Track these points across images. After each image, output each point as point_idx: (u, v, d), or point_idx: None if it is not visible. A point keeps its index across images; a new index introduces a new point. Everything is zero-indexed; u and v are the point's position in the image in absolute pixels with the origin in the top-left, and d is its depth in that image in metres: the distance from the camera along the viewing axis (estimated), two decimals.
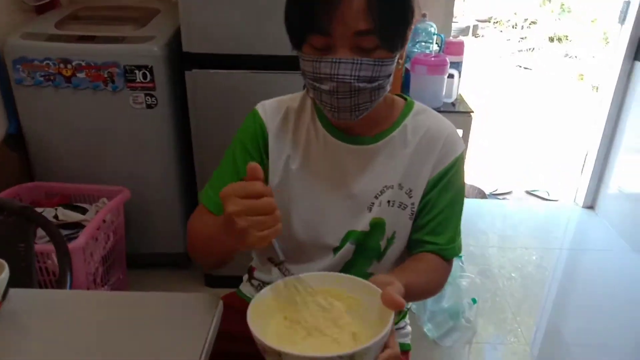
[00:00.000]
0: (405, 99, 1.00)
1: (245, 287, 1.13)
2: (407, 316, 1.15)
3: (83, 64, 1.88)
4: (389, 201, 0.95)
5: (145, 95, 1.93)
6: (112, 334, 0.83)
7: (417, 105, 0.99)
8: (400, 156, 0.95)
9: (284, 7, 0.86)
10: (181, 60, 1.86)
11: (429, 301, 2.04)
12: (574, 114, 5.11)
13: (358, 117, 0.88)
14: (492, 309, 2.19)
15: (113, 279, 1.97)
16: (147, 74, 1.89)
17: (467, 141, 1.99)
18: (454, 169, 0.95)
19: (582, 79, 5.94)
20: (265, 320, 0.75)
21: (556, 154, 4.11)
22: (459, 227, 0.98)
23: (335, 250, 0.97)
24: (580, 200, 3.02)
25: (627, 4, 2.56)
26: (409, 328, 1.13)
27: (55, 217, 1.82)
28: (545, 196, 3.27)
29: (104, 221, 1.84)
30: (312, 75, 0.85)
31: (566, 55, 6.80)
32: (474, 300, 2.05)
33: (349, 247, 0.97)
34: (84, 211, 1.90)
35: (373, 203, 0.95)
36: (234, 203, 0.68)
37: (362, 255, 0.98)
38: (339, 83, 0.82)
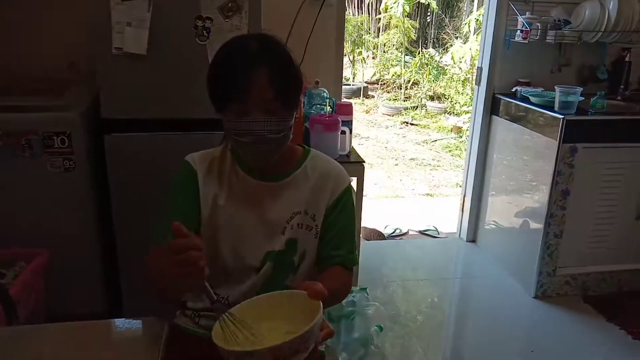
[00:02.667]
0: (304, 147, 1.29)
1: (180, 319, 1.28)
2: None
3: (0, 132, 1.95)
4: (299, 224, 1.20)
5: (64, 159, 2.03)
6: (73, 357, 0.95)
7: (313, 151, 1.29)
8: (303, 189, 1.21)
9: (206, 81, 1.13)
10: (99, 126, 2.00)
11: (342, 333, 2.25)
12: (454, 161, 5.76)
13: (271, 159, 1.15)
14: (397, 334, 2.45)
15: None
16: (66, 139, 2.00)
17: (362, 187, 2.29)
18: (345, 196, 1.23)
19: (460, 131, 6.70)
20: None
21: (442, 196, 4.63)
22: (355, 244, 1.25)
23: (257, 270, 1.19)
24: (464, 236, 3.45)
25: (480, 69, 3.11)
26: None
27: None
28: (435, 234, 3.68)
29: (25, 284, 1.86)
30: (234, 132, 1.11)
31: (445, 111, 7.64)
32: (380, 328, 2.29)
33: (268, 265, 1.19)
34: (2, 276, 1.91)
35: (285, 227, 1.19)
36: (165, 258, 0.85)
37: (280, 270, 1.20)
38: (256, 136, 1.09)
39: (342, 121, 2.22)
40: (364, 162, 2.25)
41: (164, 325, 1.03)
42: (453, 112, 7.46)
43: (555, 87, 2.60)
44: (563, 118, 2.50)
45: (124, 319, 1.10)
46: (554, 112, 2.58)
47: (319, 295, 0.90)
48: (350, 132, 2.30)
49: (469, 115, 7.10)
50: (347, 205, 1.24)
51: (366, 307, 2.28)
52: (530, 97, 2.80)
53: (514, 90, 2.99)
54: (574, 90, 2.58)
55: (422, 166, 5.64)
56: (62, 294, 2.15)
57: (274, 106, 1.08)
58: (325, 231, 1.21)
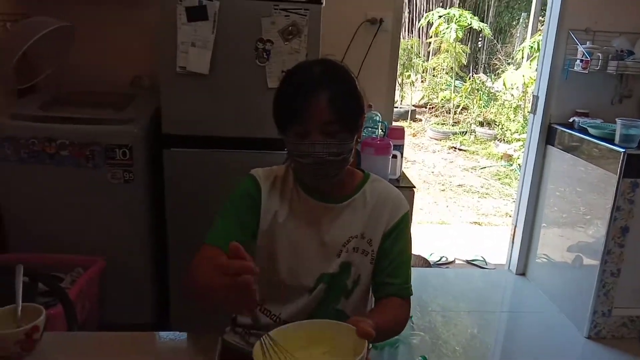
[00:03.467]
0: (363, 171, 1.30)
1: (229, 336, 1.30)
2: None
3: (67, 142, 2.05)
4: (354, 248, 1.20)
5: (124, 171, 2.11)
6: None
7: (373, 175, 1.30)
8: (361, 213, 1.22)
9: (272, 105, 1.16)
10: (160, 140, 2.08)
11: None
12: (504, 190, 5.62)
13: (331, 182, 1.17)
14: None
15: None
16: (127, 152, 2.09)
17: (411, 214, 2.26)
18: (402, 223, 1.22)
19: (510, 159, 6.55)
20: None
21: (491, 226, 4.51)
22: (410, 272, 1.23)
23: (311, 290, 1.20)
24: (514, 268, 3.35)
25: (537, 98, 3.04)
26: None
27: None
28: (483, 265, 3.59)
29: (81, 290, 1.93)
30: (296, 153, 1.14)
31: (495, 138, 7.50)
32: (424, 358, 2.24)
33: (321, 287, 1.20)
34: (60, 280, 1.99)
35: (341, 250, 1.20)
36: (217, 277, 0.84)
37: (332, 293, 1.21)
38: (316, 158, 1.12)
39: (393, 145, 2.21)
40: (414, 187, 2.23)
41: (217, 342, 1.04)
42: (503, 139, 7.31)
43: (617, 119, 2.52)
44: (624, 152, 2.41)
45: (179, 332, 1.11)
46: (615, 145, 2.49)
47: (367, 336, 0.87)
48: (402, 156, 2.29)
49: (520, 143, 6.95)
50: (405, 232, 1.23)
51: (411, 337, 2.24)
52: (588, 129, 2.72)
53: (571, 120, 2.91)
54: (636, 124, 2.48)
55: (470, 193, 5.53)
56: (114, 302, 2.22)
57: (334, 129, 1.11)
58: (381, 257, 1.21)
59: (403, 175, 2.35)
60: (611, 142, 2.53)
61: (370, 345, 1.29)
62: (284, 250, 1.20)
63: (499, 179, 6.04)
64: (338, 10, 2.64)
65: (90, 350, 1.04)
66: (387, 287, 1.20)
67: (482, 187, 5.75)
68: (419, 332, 2.32)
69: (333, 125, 1.10)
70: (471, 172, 6.31)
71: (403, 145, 2.34)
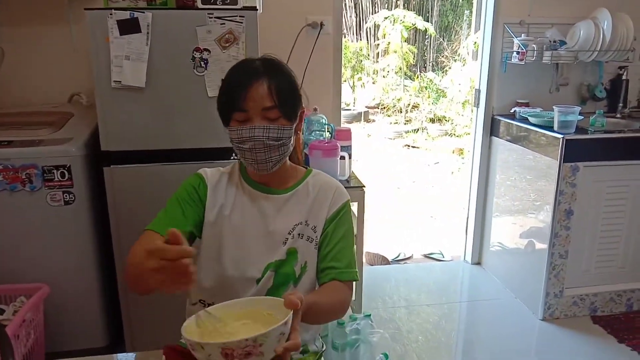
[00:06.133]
0: (307, 167, 1.36)
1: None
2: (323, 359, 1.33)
3: (0, 167, 1.96)
4: (299, 234, 1.24)
5: (63, 192, 2.03)
6: None
7: (315, 170, 1.35)
8: (304, 202, 1.27)
9: (217, 98, 1.22)
10: (99, 158, 2.01)
11: None
12: (457, 183, 5.74)
13: (272, 168, 1.21)
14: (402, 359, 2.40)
15: None
16: (65, 172, 2.01)
17: (363, 212, 2.28)
18: (343, 210, 1.27)
19: (461, 153, 6.71)
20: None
21: (446, 219, 4.60)
22: (353, 258, 1.26)
23: (258, 281, 1.21)
24: (469, 258, 3.42)
25: (479, 91, 3.12)
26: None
27: None
28: (440, 257, 3.65)
29: (24, 320, 1.85)
30: (237, 140, 1.18)
31: (446, 133, 7.66)
32: (386, 356, 2.24)
33: (269, 274, 1.22)
34: (1, 312, 1.90)
35: (287, 238, 1.23)
36: (154, 261, 0.84)
37: (280, 281, 1.22)
38: (256, 142, 1.17)
39: (341, 146, 2.22)
40: (364, 186, 2.25)
41: (160, 357, 1.01)
42: (454, 134, 7.48)
43: (554, 107, 2.61)
44: (563, 137, 2.50)
45: (124, 353, 1.07)
46: (554, 131, 2.58)
47: (292, 306, 0.90)
48: (350, 157, 2.30)
49: (469, 137, 7.14)
50: (345, 219, 1.27)
51: (370, 335, 2.24)
52: (529, 118, 2.81)
53: (512, 111, 3.00)
54: (573, 110, 2.58)
55: (425, 189, 5.62)
56: (63, 329, 2.15)
57: (274, 115, 1.17)
58: (323, 243, 1.25)
59: (353, 176, 2.36)
60: (550, 129, 2.62)
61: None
62: (230, 243, 1.22)
63: (452, 173, 6.18)
64: (277, 16, 2.64)
65: None
66: (329, 271, 1.22)
67: (436, 182, 5.86)
68: (378, 330, 2.31)
69: (273, 111, 1.16)
70: (425, 169, 6.42)
71: (351, 146, 2.35)
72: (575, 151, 2.52)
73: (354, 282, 1.28)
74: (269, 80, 1.16)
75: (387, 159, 6.84)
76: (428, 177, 6.05)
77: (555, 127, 2.59)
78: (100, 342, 2.24)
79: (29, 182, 1.99)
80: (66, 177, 2.02)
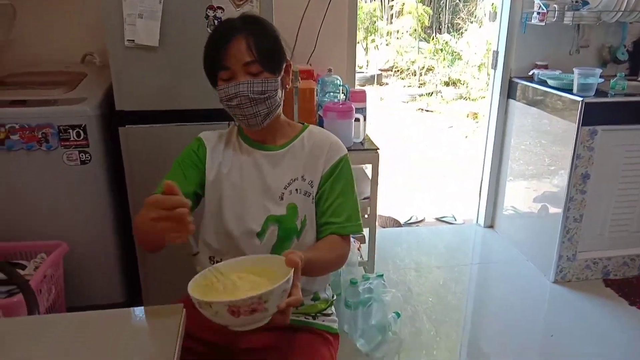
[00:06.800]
0: (302, 123, 1.37)
1: None
2: (333, 308, 1.37)
3: (17, 126, 1.97)
4: (297, 189, 1.27)
5: (79, 152, 2.05)
6: (91, 351, 0.96)
7: (312, 126, 1.36)
8: (300, 157, 1.29)
9: (203, 61, 1.25)
10: (114, 118, 2.02)
11: (359, 320, 2.25)
12: (471, 147, 5.69)
13: (263, 123, 1.24)
14: (415, 320, 2.44)
15: None
16: (81, 132, 2.02)
17: (377, 175, 2.27)
18: (340, 165, 1.28)
19: (476, 117, 6.62)
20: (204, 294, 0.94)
21: (459, 183, 4.58)
22: (355, 212, 1.27)
23: (259, 235, 1.24)
24: (482, 222, 3.42)
25: (497, 53, 3.05)
26: (335, 317, 1.38)
27: None
28: (452, 221, 3.65)
29: (45, 276, 1.89)
30: (225, 98, 1.22)
31: (460, 97, 7.55)
32: (398, 314, 2.29)
33: (272, 230, 1.25)
34: (22, 268, 1.95)
35: (283, 193, 1.26)
36: (153, 211, 0.92)
37: (284, 236, 1.25)
38: (241, 97, 1.20)
39: (355, 108, 2.20)
40: (378, 149, 2.23)
41: (181, 310, 1.03)
42: (469, 98, 7.37)
43: (574, 69, 2.55)
44: (582, 100, 2.45)
45: (142, 307, 1.10)
46: (573, 94, 2.52)
47: (292, 264, 0.94)
48: (365, 119, 2.28)
49: (485, 100, 7.03)
50: (343, 173, 1.28)
51: (383, 294, 2.27)
52: (547, 80, 2.75)
53: (531, 73, 2.94)
54: (593, 72, 2.52)
55: (438, 152, 5.59)
56: (82, 285, 2.20)
57: (256, 69, 1.19)
58: (321, 199, 1.27)
59: (367, 138, 2.34)
60: (569, 92, 2.56)
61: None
62: (229, 199, 1.26)
63: (466, 136, 6.12)
64: None
65: (50, 332, 1.02)
66: (328, 226, 1.25)
67: (450, 146, 5.81)
68: (391, 290, 2.35)
69: (254, 65, 1.19)
70: (439, 132, 6.36)
71: (365, 108, 2.33)
72: (594, 114, 2.47)
73: (360, 235, 1.32)
74: (247, 36, 1.19)
75: (400, 122, 6.78)
76: (441, 141, 6.00)
77: (575, 90, 2.54)
78: (118, 297, 2.30)
79: (45, 141, 2.01)
80: (82, 137, 2.02)
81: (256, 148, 1.30)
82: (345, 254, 1.26)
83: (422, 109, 7.33)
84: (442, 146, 5.80)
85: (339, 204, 1.25)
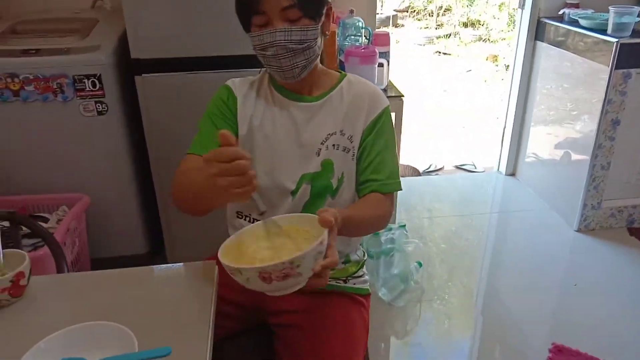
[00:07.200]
0: (340, 72, 1.26)
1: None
2: (365, 268, 1.34)
3: (31, 77, 1.92)
4: (334, 145, 1.17)
5: (96, 102, 2.00)
6: (126, 307, 0.95)
7: (350, 75, 1.25)
8: (338, 110, 1.18)
9: (234, 4, 1.12)
10: (130, 67, 1.95)
11: (382, 269, 2.25)
12: (491, 92, 5.54)
13: (299, 75, 1.11)
14: (436, 270, 2.44)
15: None
16: (96, 82, 1.96)
17: (400, 124, 2.21)
18: (382, 118, 1.18)
19: (496, 60, 6.41)
20: (235, 258, 0.89)
21: (479, 130, 4.49)
22: (395, 168, 1.20)
23: (293, 193, 1.17)
24: (503, 169, 3.36)
25: None
26: (366, 277, 1.33)
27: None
28: (472, 169, 3.60)
29: (68, 229, 1.90)
30: (259, 47, 1.09)
31: (480, 38, 7.28)
32: (420, 264, 2.28)
33: (305, 188, 1.17)
34: (45, 220, 1.95)
35: (320, 149, 1.16)
36: (213, 166, 0.82)
37: (317, 194, 1.18)
38: (278, 47, 1.07)
39: (379, 52, 2.10)
40: (403, 95, 2.15)
41: (214, 267, 1.02)
42: (489, 40, 7.11)
43: (609, 7, 2.40)
44: (617, 42, 2.31)
45: (175, 263, 1.07)
46: (607, 35, 2.39)
47: (326, 224, 0.87)
48: (388, 64, 2.18)
49: (506, 42, 6.76)
50: (386, 127, 1.19)
51: (405, 244, 2.26)
52: (579, 20, 2.60)
53: (561, 12, 2.78)
54: (630, 11, 2.37)
55: (456, 98, 5.45)
56: (104, 237, 2.21)
57: (294, 15, 1.06)
58: (362, 154, 1.18)
59: (391, 84, 2.26)
60: (603, 32, 2.43)
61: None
62: (262, 153, 1.17)
63: (485, 80, 5.94)
64: None
65: (83, 290, 1.01)
66: (369, 184, 1.17)
67: (468, 90, 5.66)
68: (414, 240, 2.34)
69: (293, 10, 1.05)
70: (457, 76, 6.18)
71: (389, 52, 2.23)
72: (629, 57, 2.35)
73: (397, 192, 1.24)
74: None
75: (416, 67, 6.59)
76: (460, 85, 5.84)
77: (609, 30, 2.40)
78: (141, 249, 2.31)
79: (60, 92, 1.96)
80: (97, 87, 1.97)
81: (290, 99, 1.19)
82: (388, 214, 1.18)
83: (439, 52, 7.10)
84: (461, 91, 5.64)
85: (381, 160, 1.16)
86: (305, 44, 1.08)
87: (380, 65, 2.12)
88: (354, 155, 1.18)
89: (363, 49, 2.11)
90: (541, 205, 2.99)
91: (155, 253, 2.38)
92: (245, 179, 0.83)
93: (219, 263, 0.90)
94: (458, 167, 3.64)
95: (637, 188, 2.68)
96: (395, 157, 1.20)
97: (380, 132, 1.17)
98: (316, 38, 1.10)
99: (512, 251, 2.67)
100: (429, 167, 3.62)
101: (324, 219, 0.87)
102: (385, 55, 2.18)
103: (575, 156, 2.70)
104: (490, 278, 2.47)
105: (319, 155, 1.16)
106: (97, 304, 0.95)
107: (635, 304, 2.23)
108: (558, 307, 2.25)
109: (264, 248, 0.93)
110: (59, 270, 1.20)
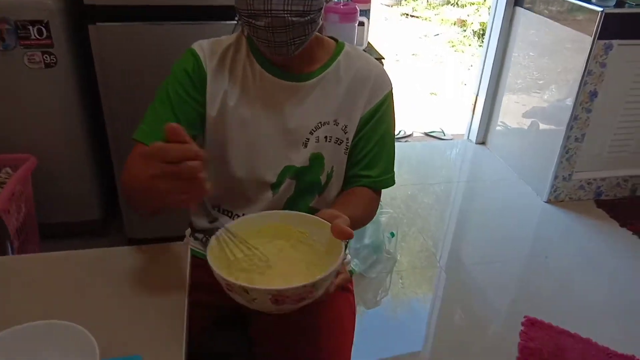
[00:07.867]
0: (336, 40, 1.04)
1: (190, 243, 1.13)
2: (348, 249, 1.23)
3: None
4: (326, 137, 0.98)
5: (43, 53, 1.77)
6: (92, 289, 0.83)
7: (348, 45, 1.03)
8: (333, 93, 0.98)
9: None
10: (83, 13, 1.72)
11: (353, 240, 2.17)
12: (460, 58, 5.47)
13: (294, 52, 0.90)
14: (407, 240, 2.38)
15: (28, 252, 1.85)
16: (43, 29, 1.74)
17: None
18: (385, 105, 1.01)
19: (464, 24, 6.31)
20: (222, 269, 0.72)
21: (448, 96, 4.42)
22: (391, 161, 1.05)
23: (274, 187, 1.00)
24: (473, 138, 3.31)
25: None
26: (349, 257, 1.22)
27: None
28: (442, 136, 3.53)
29: (13, 193, 1.70)
30: (246, 12, 0.85)
31: (448, 2, 7.15)
32: (392, 234, 2.21)
33: (289, 182, 1.00)
34: None
35: (308, 139, 0.98)
36: (154, 166, 0.65)
37: (304, 190, 1.02)
38: (274, 18, 0.83)
39: (359, 10, 1.95)
40: (384, 58, 2.02)
41: (187, 251, 0.89)
42: (457, 4, 6.99)
43: None
44: (602, 11, 2.24)
45: (144, 245, 0.93)
46: (592, 4, 2.31)
47: (345, 236, 0.73)
48: (369, 23, 2.04)
49: (474, 7, 6.66)
50: (387, 115, 1.02)
51: (379, 215, 2.18)
52: None
53: None
54: None
55: (424, 62, 5.35)
56: (54, 201, 2.02)
57: None
58: (356, 146, 1.01)
59: (370, 46, 2.11)
60: (588, 1, 2.35)
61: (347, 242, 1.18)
62: (237, 140, 0.97)
63: (453, 46, 5.85)
64: None
65: (32, 278, 0.86)
66: (359, 179, 1.02)
67: (436, 55, 5.56)
68: (388, 210, 2.26)
69: None
70: (424, 40, 6.06)
71: (369, 10, 2.08)
72: (613, 27, 2.29)
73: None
74: None
75: (383, 28, 6.42)
76: (427, 49, 5.73)
77: None
78: (94, 214, 2.14)
79: (0, 40, 1.72)
80: (44, 35, 1.74)
81: (275, 76, 0.96)
82: (375, 210, 1.05)
83: (407, 14, 6.94)
84: (428, 55, 5.54)
85: (376, 153, 1.00)
86: (309, 17, 0.86)
87: (361, 24, 1.97)
88: (347, 147, 1.01)
89: (343, 5, 1.95)
90: (511, 175, 2.97)
91: (111, 219, 2.21)
92: (192, 184, 0.66)
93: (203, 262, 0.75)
94: (427, 134, 3.57)
95: (607, 161, 2.68)
96: (392, 147, 1.04)
97: (380, 121, 1.00)
98: (321, 8, 0.89)
99: (480, 221, 2.64)
100: (398, 134, 3.53)
101: (341, 230, 0.72)
102: (366, 13, 2.03)
103: (549, 126, 2.66)
104: (458, 247, 2.44)
105: (305, 146, 0.98)
106: (48, 297, 0.81)
107: (604, 277, 2.25)
108: (526, 278, 2.24)
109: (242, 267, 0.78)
110: (2, 251, 1.04)
